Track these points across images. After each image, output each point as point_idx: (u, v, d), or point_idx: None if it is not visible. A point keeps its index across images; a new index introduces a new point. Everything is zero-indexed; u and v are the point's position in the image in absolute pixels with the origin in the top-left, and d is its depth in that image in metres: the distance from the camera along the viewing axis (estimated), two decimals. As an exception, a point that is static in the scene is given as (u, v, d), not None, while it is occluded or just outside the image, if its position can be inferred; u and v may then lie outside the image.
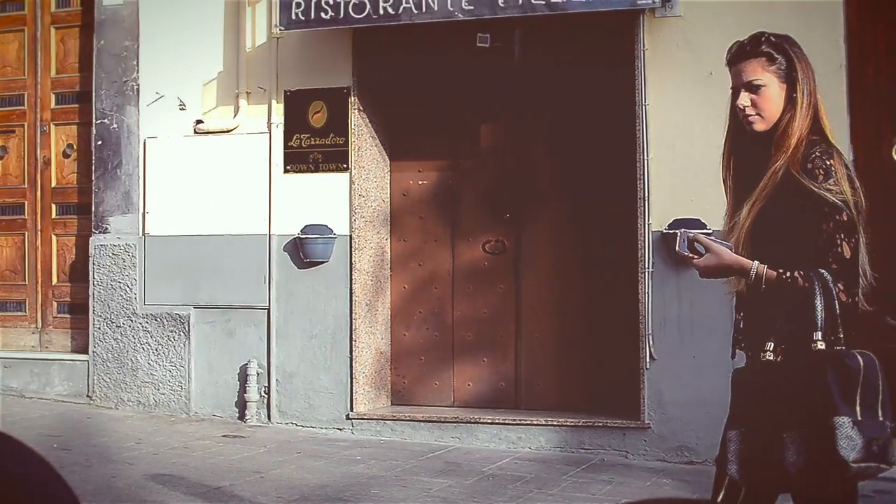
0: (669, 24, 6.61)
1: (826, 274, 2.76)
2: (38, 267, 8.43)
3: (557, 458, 6.65)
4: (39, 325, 8.43)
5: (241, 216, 7.53)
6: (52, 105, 8.41)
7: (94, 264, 7.91)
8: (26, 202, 8.46)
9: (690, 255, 2.90)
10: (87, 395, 7.93)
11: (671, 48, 6.59)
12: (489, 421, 7.00)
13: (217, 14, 7.68)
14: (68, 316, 8.33)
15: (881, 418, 2.71)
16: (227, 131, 7.59)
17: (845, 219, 2.79)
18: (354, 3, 6.90)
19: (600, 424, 6.74)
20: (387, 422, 7.22)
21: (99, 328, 7.89)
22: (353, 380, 7.30)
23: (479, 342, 7.55)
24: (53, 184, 8.39)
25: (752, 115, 2.94)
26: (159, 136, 7.77)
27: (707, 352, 6.39)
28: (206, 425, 7.43)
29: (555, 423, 6.87)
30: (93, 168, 7.98)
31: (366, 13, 6.88)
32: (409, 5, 6.79)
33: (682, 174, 6.50)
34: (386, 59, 7.45)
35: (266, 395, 7.48)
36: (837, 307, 2.75)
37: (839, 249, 2.79)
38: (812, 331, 2.72)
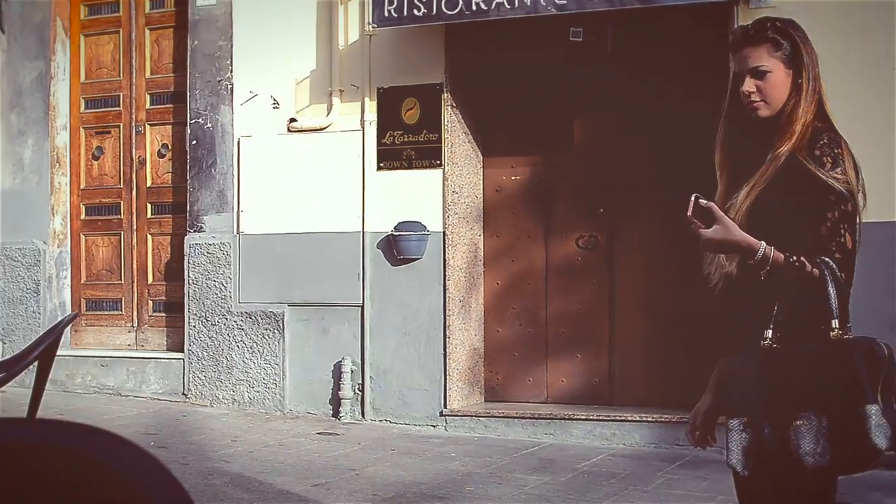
0: (763, 14, 6.75)
1: (832, 262, 2.78)
2: (134, 266, 8.89)
3: (652, 455, 6.83)
4: (135, 323, 8.88)
5: (335, 214, 7.85)
6: (147, 105, 8.87)
7: (189, 263, 8.32)
8: (122, 202, 8.93)
9: (698, 222, 2.83)
10: (183, 393, 8.33)
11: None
12: (583, 417, 7.22)
13: (310, 12, 8.03)
14: (164, 314, 8.78)
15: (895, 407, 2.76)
16: (321, 129, 7.93)
17: (850, 209, 2.83)
18: (447, 0, 7.18)
19: (697, 421, 6.89)
20: (480, 418, 7.48)
21: (194, 326, 8.29)
22: (447, 376, 7.58)
23: (572, 338, 7.76)
24: (149, 183, 8.85)
25: (756, 101, 2.97)
26: (253, 134, 8.15)
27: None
28: (301, 423, 7.76)
29: (649, 420, 7.06)
30: (187, 167, 8.41)
31: (458, 9, 7.17)
32: (501, 0, 7.04)
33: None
34: (478, 55, 7.71)
35: (360, 392, 7.79)
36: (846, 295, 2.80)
37: (842, 239, 2.82)
38: (828, 318, 2.75)
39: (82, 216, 9.10)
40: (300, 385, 8.00)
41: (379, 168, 7.79)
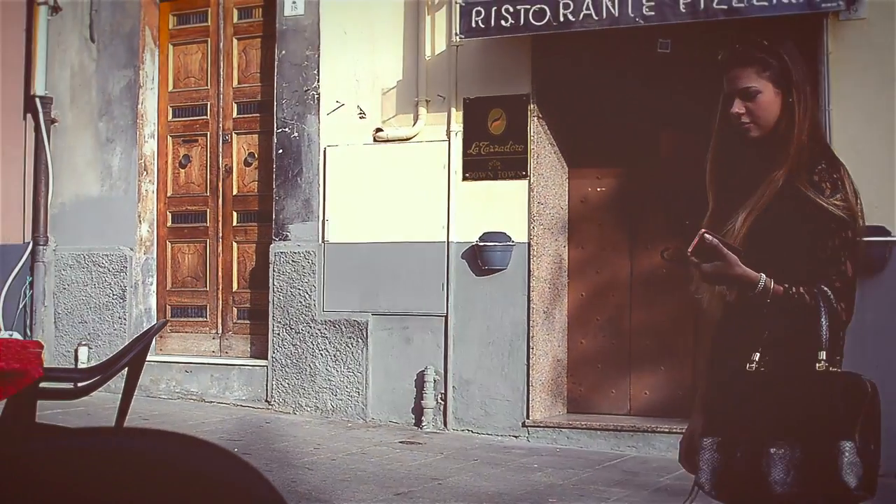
0: (853, 26, 7.03)
1: (829, 292, 2.84)
2: (219, 273, 9.42)
3: (737, 470, 7.06)
4: (220, 330, 9.40)
5: (420, 223, 8.28)
6: (234, 114, 9.42)
7: (274, 271, 8.81)
8: (208, 210, 9.48)
9: (697, 260, 2.89)
10: (266, 400, 8.81)
11: (854, 51, 7.02)
12: (666, 430, 7.52)
13: (396, 23, 8.48)
14: (248, 322, 9.29)
15: (872, 447, 2.80)
16: (407, 139, 8.36)
17: (850, 236, 2.90)
18: (534, 11, 7.56)
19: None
20: (563, 429, 7.83)
21: (278, 334, 8.77)
22: (530, 387, 7.95)
23: (656, 350, 8.09)
24: (235, 192, 9.38)
25: (747, 123, 3.04)
26: (339, 144, 8.62)
27: (889, 361, 6.71)
28: (383, 431, 8.17)
29: (735, 434, 7.33)
30: (273, 176, 8.90)
31: (546, 20, 7.54)
32: (588, 12, 7.41)
33: (864, 179, 6.86)
34: (564, 66, 8.08)
35: (442, 402, 8.19)
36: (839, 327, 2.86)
37: (843, 268, 2.88)
38: (816, 350, 2.81)
39: (169, 223, 9.67)
40: (383, 394, 8.42)
41: (464, 178, 8.19)
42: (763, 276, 2.85)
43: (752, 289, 2.86)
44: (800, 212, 2.91)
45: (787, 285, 2.85)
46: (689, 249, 2.89)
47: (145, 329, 8.58)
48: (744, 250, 2.89)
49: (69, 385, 5.71)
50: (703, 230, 2.90)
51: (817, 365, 2.81)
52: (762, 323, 2.91)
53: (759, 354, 2.90)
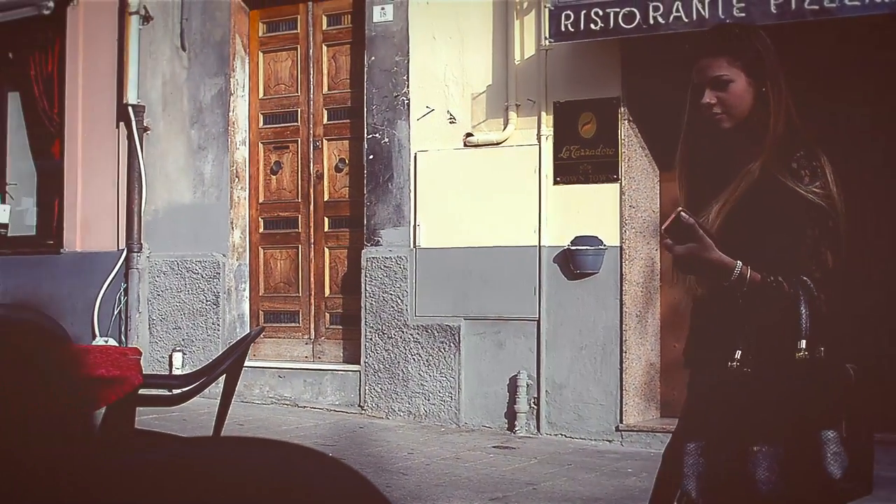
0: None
1: (808, 282, 2.86)
2: (312, 279, 9.98)
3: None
4: (312, 335, 9.97)
5: (511, 228, 8.74)
6: (325, 121, 9.96)
7: (366, 276, 9.33)
8: (300, 216, 10.04)
9: (671, 241, 2.89)
10: (359, 405, 9.34)
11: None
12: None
13: (485, 28, 8.95)
14: (340, 327, 9.83)
15: (864, 439, 2.85)
16: (497, 144, 8.82)
17: (831, 225, 2.93)
18: (624, 14, 7.94)
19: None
20: (657, 434, 8.22)
21: (370, 339, 9.30)
22: (623, 391, 8.36)
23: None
24: (326, 197, 9.93)
25: (719, 114, 3.06)
26: (430, 149, 9.12)
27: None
28: (476, 436, 8.62)
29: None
30: (364, 182, 9.43)
31: (635, 23, 7.92)
32: (678, 14, 7.77)
33: None
34: (655, 68, 8.42)
35: (535, 406, 8.64)
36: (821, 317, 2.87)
37: (824, 258, 2.91)
38: (796, 339, 2.82)
39: (261, 230, 10.26)
40: (476, 398, 8.90)
41: (555, 182, 8.62)
42: (739, 262, 2.84)
43: (727, 276, 2.85)
44: (778, 202, 2.93)
45: (764, 274, 2.85)
46: (664, 227, 2.88)
47: (241, 336, 9.19)
48: (719, 242, 2.88)
49: (167, 392, 6.17)
50: (679, 208, 2.89)
51: (797, 354, 2.82)
52: (740, 317, 2.92)
53: (740, 352, 2.90)
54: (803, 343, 2.83)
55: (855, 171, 8.18)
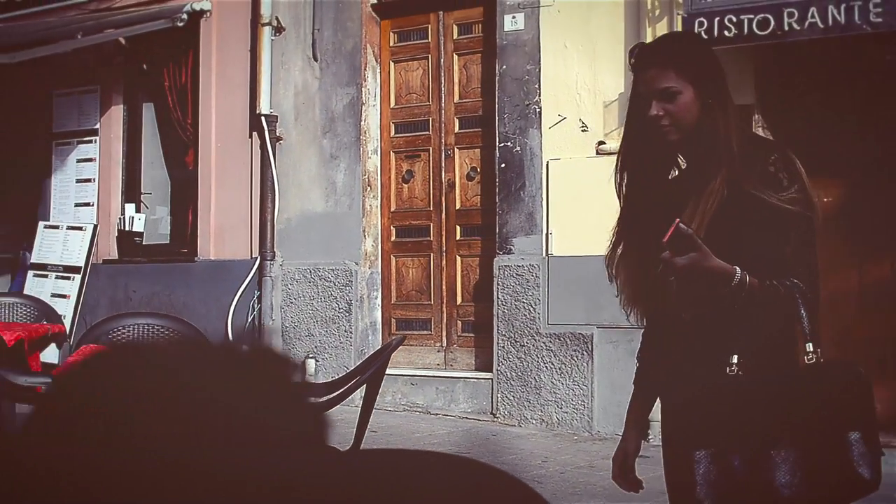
0: None
1: (800, 284, 2.94)
2: (444, 287, 10.46)
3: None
4: (444, 343, 10.44)
5: (644, 236, 9.06)
6: (456, 129, 10.43)
7: (498, 284, 9.75)
8: (432, 224, 10.52)
9: (670, 252, 2.90)
10: (491, 413, 9.76)
11: None
12: (903, 445, 8.06)
13: (617, 35, 9.31)
14: (472, 335, 10.28)
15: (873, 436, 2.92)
16: (629, 152, 9.16)
17: (810, 228, 3.01)
18: (758, 20, 8.19)
19: None
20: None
21: (503, 347, 9.72)
22: (759, 400, 8.61)
23: (889, 362, 8.64)
24: (457, 206, 10.39)
25: (666, 125, 3.08)
26: (561, 157, 9.50)
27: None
28: (609, 444, 8.90)
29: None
30: (496, 190, 9.85)
31: (770, 29, 8.15)
32: (814, 20, 7.98)
33: None
34: (790, 74, 8.71)
35: (669, 415, 8.95)
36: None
37: (809, 259, 3.01)
38: (801, 342, 2.90)
39: (392, 238, 10.77)
40: (609, 406, 9.24)
41: (688, 190, 8.93)
42: (738, 268, 2.91)
43: (728, 282, 2.91)
44: (755, 215, 2.99)
45: (760, 278, 2.93)
46: (664, 239, 2.87)
47: (379, 345, 9.67)
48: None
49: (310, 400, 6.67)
50: (677, 220, 2.90)
51: (806, 358, 2.91)
52: (736, 323, 2.99)
53: (737, 357, 2.97)
54: (810, 346, 2.91)
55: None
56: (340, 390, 5.89)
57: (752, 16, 8.22)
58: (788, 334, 2.99)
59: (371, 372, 6.00)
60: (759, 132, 8.61)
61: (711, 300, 2.98)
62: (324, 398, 5.98)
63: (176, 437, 0.92)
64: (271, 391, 0.99)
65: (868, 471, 2.84)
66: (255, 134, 11.20)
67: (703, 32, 8.39)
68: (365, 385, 6.04)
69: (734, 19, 8.29)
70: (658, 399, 3.49)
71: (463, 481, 1.10)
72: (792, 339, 2.98)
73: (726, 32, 8.34)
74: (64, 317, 11.33)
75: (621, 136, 3.34)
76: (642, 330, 3.55)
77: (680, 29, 8.67)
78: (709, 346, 3.05)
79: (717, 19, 8.36)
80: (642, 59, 3.14)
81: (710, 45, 3.43)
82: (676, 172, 3.29)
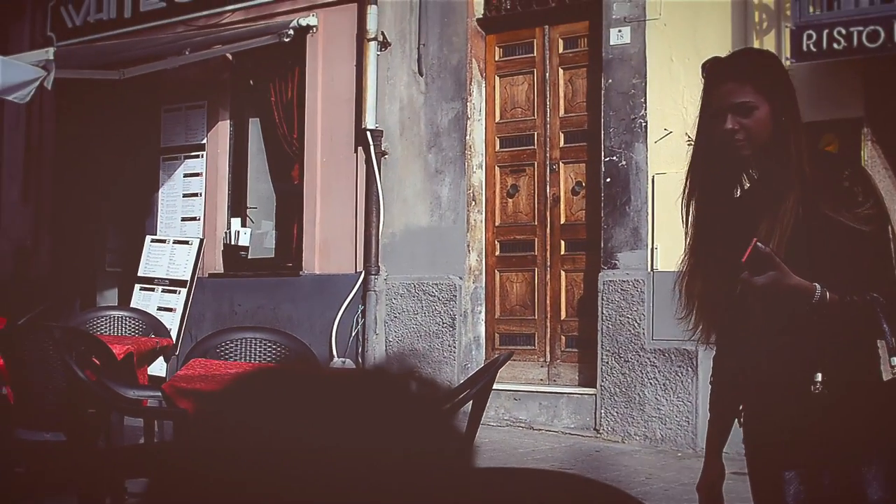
0: None
1: (881, 298, 2.98)
2: (548, 302, 10.74)
3: None
4: (548, 358, 10.73)
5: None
6: (561, 144, 10.74)
7: (602, 299, 10.00)
8: (536, 239, 10.83)
9: (749, 272, 2.98)
10: (594, 429, 9.99)
11: None
12: None
13: (723, 48, 9.31)
14: (576, 350, 10.55)
15: None
16: (736, 166, 9.37)
17: (888, 241, 3.09)
18: (868, 32, 8.31)
19: None
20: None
21: (607, 362, 9.97)
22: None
23: None
24: (562, 220, 10.68)
25: (741, 140, 3.14)
26: (667, 172, 9.72)
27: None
28: (714, 461, 9.15)
29: None
30: (601, 205, 10.11)
31: (880, 41, 8.25)
32: (924, 32, 8.19)
33: None
34: (899, 87, 8.84)
35: (775, 432, 9.13)
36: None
37: (888, 275, 3.07)
38: (887, 356, 2.93)
39: (497, 252, 11.09)
40: (714, 423, 9.43)
41: (795, 204, 9.10)
42: (818, 285, 2.98)
43: (808, 300, 2.97)
44: (831, 234, 3.05)
45: (841, 294, 3.00)
46: (743, 259, 2.94)
47: (488, 361, 9.92)
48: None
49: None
50: (755, 240, 2.97)
51: (894, 370, 2.93)
52: (818, 341, 3.06)
53: (821, 374, 3.03)
54: (895, 360, 2.94)
55: None
56: (447, 405, 6.09)
57: (861, 28, 8.36)
58: (872, 350, 3.06)
59: (479, 387, 6.09)
60: (869, 146, 8.78)
61: (792, 319, 3.04)
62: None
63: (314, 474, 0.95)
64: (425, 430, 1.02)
65: None
66: (360, 148, 11.59)
67: (811, 45, 8.56)
68: (472, 400, 6.10)
69: (843, 31, 8.43)
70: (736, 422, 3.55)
71: (571, 497, 1.14)
72: (876, 355, 3.04)
73: (835, 45, 8.47)
74: (170, 330, 11.80)
75: (689, 154, 3.39)
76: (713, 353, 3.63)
77: (788, 41, 8.85)
78: (792, 366, 3.09)
79: (825, 31, 8.50)
80: (718, 72, 3.25)
81: (782, 64, 3.46)
82: (740, 191, 3.36)
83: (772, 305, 3.06)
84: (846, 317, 2.98)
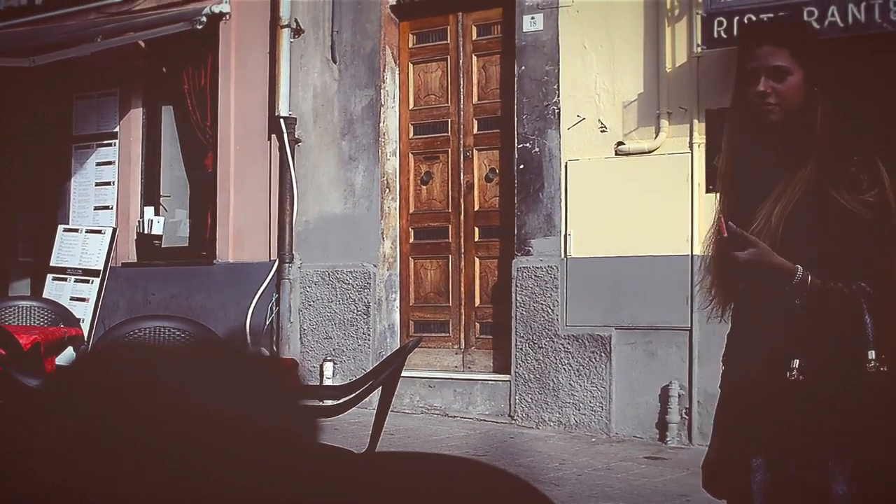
0: None
1: (868, 288, 2.89)
2: (462, 289, 10.51)
3: None
4: (462, 345, 10.49)
5: (663, 237, 9.10)
6: (475, 131, 10.50)
7: (516, 286, 9.79)
8: (450, 226, 10.59)
9: (731, 248, 2.93)
10: (509, 415, 9.80)
11: None
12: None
13: (636, 36, 9.36)
14: (490, 337, 10.33)
15: None
16: (648, 152, 9.21)
17: (884, 235, 2.95)
18: (778, 19, 8.24)
19: None
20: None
21: (521, 349, 9.76)
22: (778, 402, 8.63)
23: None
24: (476, 207, 10.45)
25: (772, 104, 3.03)
26: (580, 158, 9.55)
27: None
28: (627, 446, 8.97)
29: None
30: (514, 191, 9.90)
31: (789, 29, 8.22)
32: (834, 19, 8.01)
33: None
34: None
35: (687, 417, 8.98)
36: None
37: (879, 266, 2.95)
38: (864, 349, 2.83)
39: (411, 240, 10.83)
40: (626, 409, 9.28)
41: (708, 190, 8.88)
42: (800, 267, 2.90)
43: (789, 280, 2.91)
44: (829, 216, 2.97)
45: (825, 279, 2.92)
46: (725, 236, 2.92)
47: (396, 348, 9.69)
48: (778, 249, 2.94)
49: (322, 402, 6.58)
50: (720, 217, 2.99)
51: (868, 366, 2.85)
52: (799, 326, 2.96)
53: (798, 361, 2.94)
54: (872, 354, 2.87)
55: None
56: (356, 393, 5.92)
57: (770, 15, 8.24)
58: (854, 340, 2.90)
59: (387, 374, 6.02)
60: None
61: (773, 300, 2.97)
62: (339, 401, 6.01)
63: (161, 436, 0.95)
64: (263, 394, 1.02)
65: None
66: (273, 136, 11.29)
67: (721, 32, 8.47)
68: (381, 388, 6.05)
69: (754, 18, 8.33)
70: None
71: (473, 484, 1.13)
72: (858, 346, 2.89)
73: (745, 32, 8.36)
74: (83, 320, 11.44)
75: (727, 123, 3.27)
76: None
77: (699, 28, 8.72)
78: (771, 350, 3.01)
79: (736, 18, 8.42)
80: (756, 34, 3.18)
81: (817, 36, 3.38)
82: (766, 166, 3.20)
83: (752, 283, 3.03)
84: (827, 303, 2.92)
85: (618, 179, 9.36)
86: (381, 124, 10.75)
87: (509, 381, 9.84)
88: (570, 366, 9.50)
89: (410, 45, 10.95)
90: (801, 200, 2.99)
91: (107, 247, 12.26)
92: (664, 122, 9.16)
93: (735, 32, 8.38)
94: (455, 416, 10.05)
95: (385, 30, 10.83)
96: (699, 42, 8.77)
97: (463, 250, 10.52)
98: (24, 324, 8.69)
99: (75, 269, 12.35)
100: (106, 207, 12.62)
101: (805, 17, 8.12)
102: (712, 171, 8.87)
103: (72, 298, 11.99)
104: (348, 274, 10.77)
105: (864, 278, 2.91)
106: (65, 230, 12.61)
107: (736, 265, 2.93)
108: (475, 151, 10.50)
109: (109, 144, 12.69)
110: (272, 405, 1.02)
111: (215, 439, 0.96)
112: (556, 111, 9.69)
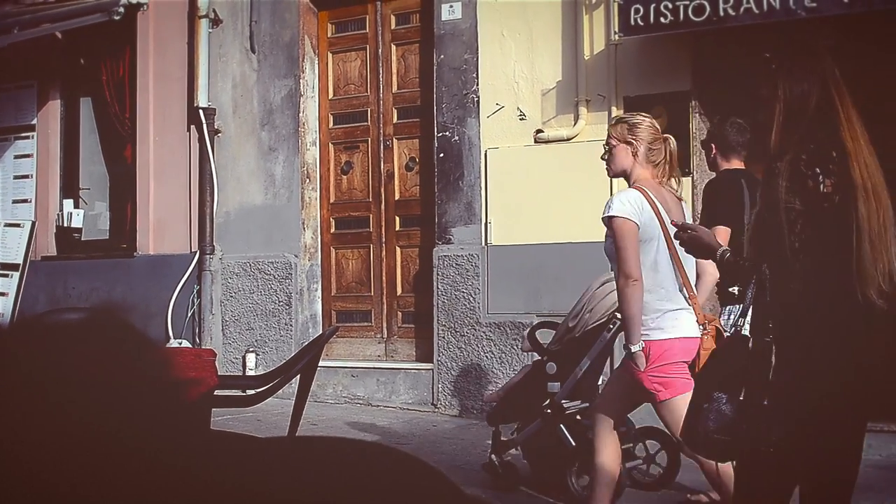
0: None
1: (766, 270, 3.48)
2: (383, 278, 10.26)
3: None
4: (385, 334, 10.24)
5: (583, 224, 8.90)
6: (395, 120, 10.24)
7: (437, 275, 9.57)
8: (371, 215, 10.33)
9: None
10: (432, 403, 9.58)
11: None
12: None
13: (554, 24, 9.16)
14: (412, 325, 10.10)
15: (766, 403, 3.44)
16: (567, 140, 9.03)
17: (792, 216, 3.39)
18: (694, 7, 8.07)
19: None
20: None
21: (443, 337, 9.53)
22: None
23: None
24: (397, 196, 10.20)
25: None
26: (500, 146, 9.34)
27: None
28: (549, 433, 8.82)
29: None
30: (435, 180, 9.67)
31: (705, 16, 8.05)
32: (749, 5, 7.90)
33: None
34: (726, 61, 8.59)
35: (609, 403, 8.81)
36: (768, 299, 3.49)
37: (779, 246, 3.40)
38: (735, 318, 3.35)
39: (332, 230, 10.56)
40: (549, 395, 9.09)
41: (627, 177, 8.80)
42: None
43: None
44: (770, 212, 3.47)
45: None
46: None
47: (315, 336, 9.45)
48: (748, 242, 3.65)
49: (244, 392, 6.35)
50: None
51: (733, 329, 3.65)
52: (767, 294, 3.52)
53: (771, 324, 3.48)
54: (741, 320, 3.58)
55: None
56: (271, 383, 5.85)
57: (687, 2, 8.14)
58: (811, 309, 3.39)
59: (303, 363, 5.93)
60: (697, 119, 8.53)
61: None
62: (257, 389, 5.92)
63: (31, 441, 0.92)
64: (135, 385, 0.99)
65: (714, 425, 3.42)
66: (193, 127, 10.98)
67: (638, 20, 8.33)
68: (299, 376, 5.97)
69: (670, 6, 8.21)
70: None
71: (370, 465, 1.14)
72: (818, 314, 3.38)
73: (662, 19, 8.25)
74: (2, 315, 11.05)
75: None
76: None
77: (616, 16, 8.55)
78: (757, 315, 3.56)
79: (653, 6, 8.28)
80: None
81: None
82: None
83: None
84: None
85: (537, 167, 9.16)
86: (301, 114, 10.46)
87: (432, 369, 9.63)
88: (493, 353, 9.30)
89: (329, 35, 10.65)
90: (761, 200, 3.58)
91: (26, 240, 11.88)
92: (583, 110, 8.98)
93: (652, 20, 8.23)
94: (378, 406, 9.85)
95: (304, 19, 10.53)
96: (616, 30, 8.60)
97: (384, 240, 10.27)
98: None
99: (-7, 263, 11.92)
100: (24, 201, 12.26)
101: (721, 4, 7.98)
102: (631, 158, 8.73)
103: (-9, 293, 11.57)
104: (269, 265, 10.49)
105: (767, 257, 3.47)
106: (-18, 224, 12.17)
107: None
108: (395, 141, 10.25)
109: (27, 137, 12.32)
110: (145, 400, 0.99)
111: (88, 447, 0.93)
112: (476, 99, 9.47)
